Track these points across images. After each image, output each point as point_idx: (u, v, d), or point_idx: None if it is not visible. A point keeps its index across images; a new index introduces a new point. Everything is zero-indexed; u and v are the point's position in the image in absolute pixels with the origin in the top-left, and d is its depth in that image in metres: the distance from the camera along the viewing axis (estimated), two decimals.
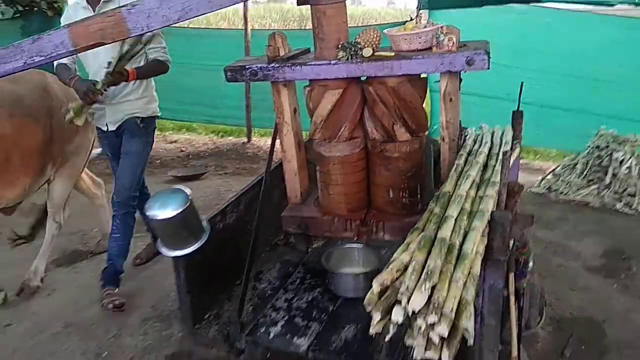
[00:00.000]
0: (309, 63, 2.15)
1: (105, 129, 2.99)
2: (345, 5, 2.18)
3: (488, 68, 1.98)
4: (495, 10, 4.97)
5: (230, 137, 6.95)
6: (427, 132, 2.36)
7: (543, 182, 4.79)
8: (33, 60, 1.60)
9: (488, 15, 4.89)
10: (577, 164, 4.64)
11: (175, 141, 6.88)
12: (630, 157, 4.35)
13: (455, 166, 1.97)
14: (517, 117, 2.80)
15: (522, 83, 2.23)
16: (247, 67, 2.19)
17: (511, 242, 1.69)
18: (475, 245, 1.49)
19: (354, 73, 2.13)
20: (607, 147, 4.48)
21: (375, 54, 2.15)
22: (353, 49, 2.11)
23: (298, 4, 2.28)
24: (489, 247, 1.63)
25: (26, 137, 2.87)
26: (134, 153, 2.96)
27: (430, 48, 2.13)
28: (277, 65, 2.17)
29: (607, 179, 4.36)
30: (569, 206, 4.29)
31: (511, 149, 2.19)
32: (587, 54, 4.93)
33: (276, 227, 2.57)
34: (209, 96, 6.43)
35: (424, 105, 2.30)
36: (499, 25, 4.98)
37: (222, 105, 6.54)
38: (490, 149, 2.19)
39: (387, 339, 1.33)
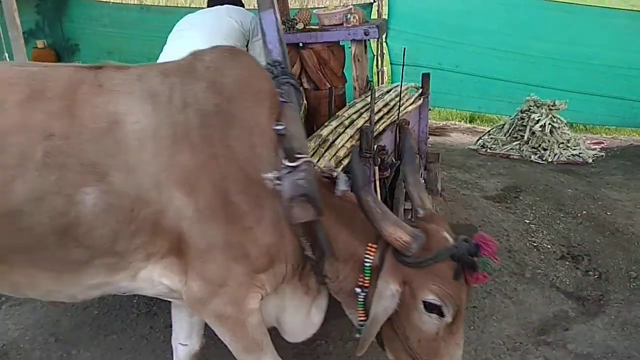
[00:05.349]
0: None
1: None
2: None
3: (378, 38, 2.95)
4: None
5: None
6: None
7: (479, 140, 5.75)
8: None
9: None
10: (505, 124, 5.62)
11: None
12: (545, 118, 5.30)
13: (353, 103, 2.95)
14: (425, 78, 3.78)
15: (404, 49, 3.13)
16: None
17: (375, 147, 2.66)
18: (344, 141, 2.48)
19: (290, 40, 3.10)
20: (529, 110, 5.43)
21: (306, 27, 3.12)
22: (290, 24, 3.07)
23: None
24: (360, 147, 2.62)
25: None
26: None
27: (342, 24, 3.10)
28: None
29: (526, 136, 5.32)
30: (493, 158, 5.26)
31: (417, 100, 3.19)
32: (524, 31, 5.81)
33: None
34: None
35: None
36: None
37: None
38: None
39: None
